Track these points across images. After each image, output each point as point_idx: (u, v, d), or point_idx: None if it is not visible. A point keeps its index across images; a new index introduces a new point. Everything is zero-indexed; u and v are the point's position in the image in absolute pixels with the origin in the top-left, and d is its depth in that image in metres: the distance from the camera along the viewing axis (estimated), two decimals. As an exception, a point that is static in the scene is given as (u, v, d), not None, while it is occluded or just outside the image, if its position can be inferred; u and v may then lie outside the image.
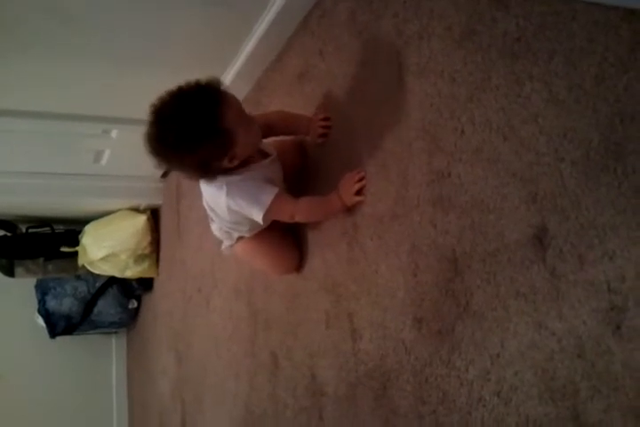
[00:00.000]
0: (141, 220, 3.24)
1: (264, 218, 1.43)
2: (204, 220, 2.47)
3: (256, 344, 1.93)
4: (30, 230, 3.38)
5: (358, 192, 1.36)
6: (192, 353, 2.65)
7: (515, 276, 0.95)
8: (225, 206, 1.44)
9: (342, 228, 1.45)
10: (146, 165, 2.92)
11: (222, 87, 1.33)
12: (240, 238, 1.62)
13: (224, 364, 2.23)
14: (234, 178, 1.41)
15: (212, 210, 1.54)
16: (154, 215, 3.36)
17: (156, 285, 3.43)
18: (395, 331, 1.23)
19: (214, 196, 1.47)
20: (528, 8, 0.93)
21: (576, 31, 0.86)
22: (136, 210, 3.35)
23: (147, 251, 3.24)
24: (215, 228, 1.64)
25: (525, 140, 0.94)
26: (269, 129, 1.54)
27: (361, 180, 1.36)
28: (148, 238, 3.24)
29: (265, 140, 1.53)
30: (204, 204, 1.57)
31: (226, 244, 1.67)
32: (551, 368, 0.87)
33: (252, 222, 1.49)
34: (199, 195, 2.54)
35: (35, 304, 3.59)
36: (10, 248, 3.28)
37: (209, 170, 1.37)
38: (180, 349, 2.83)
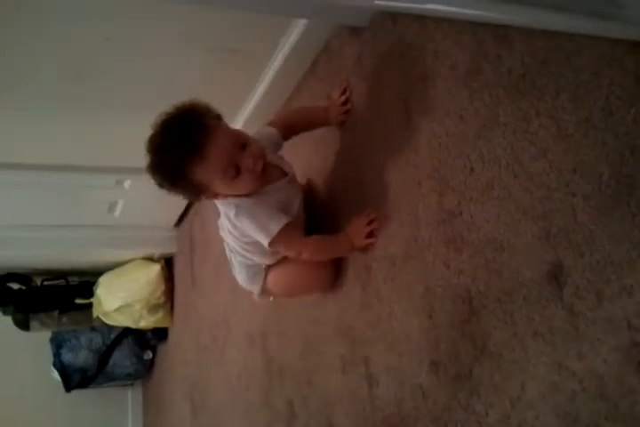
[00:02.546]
0: (155, 269, 3.24)
1: (270, 245, 1.37)
2: (218, 267, 2.47)
3: (271, 393, 1.89)
4: (45, 283, 3.38)
5: (370, 234, 1.34)
6: (207, 404, 2.61)
7: (532, 315, 0.92)
8: (237, 231, 1.42)
9: (355, 271, 1.43)
10: (159, 214, 2.98)
11: (213, 123, 1.27)
12: (267, 270, 1.54)
13: (240, 414, 2.19)
14: (244, 202, 1.37)
15: (236, 238, 1.46)
16: (168, 264, 3.35)
17: (171, 334, 3.40)
18: (411, 375, 1.20)
19: (226, 215, 1.42)
20: (532, 44, 0.94)
21: (581, 65, 0.85)
22: (150, 259, 3.35)
23: (161, 300, 3.22)
24: (237, 271, 1.57)
25: (535, 177, 0.93)
26: (290, 129, 1.52)
27: (371, 222, 1.34)
28: (162, 288, 3.22)
29: (284, 154, 1.51)
30: (225, 244, 1.54)
31: (255, 290, 1.59)
32: (573, 410, 0.84)
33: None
34: (213, 243, 2.56)
35: (50, 358, 3.57)
36: (25, 302, 3.28)
37: (196, 197, 1.38)
38: (195, 399, 2.79)
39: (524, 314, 0.94)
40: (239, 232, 1.42)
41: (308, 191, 1.64)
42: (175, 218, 3.09)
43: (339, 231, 1.44)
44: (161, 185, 1.30)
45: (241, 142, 1.29)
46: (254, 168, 1.30)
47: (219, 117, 1.31)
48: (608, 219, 0.81)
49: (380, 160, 1.35)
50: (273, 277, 1.54)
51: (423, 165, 1.20)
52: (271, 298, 1.65)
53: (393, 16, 1.32)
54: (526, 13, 0.70)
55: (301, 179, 1.66)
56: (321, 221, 1.59)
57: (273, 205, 1.39)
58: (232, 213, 1.37)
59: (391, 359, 1.27)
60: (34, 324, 3.30)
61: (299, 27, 1.54)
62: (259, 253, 1.48)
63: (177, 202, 2.87)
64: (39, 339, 3.54)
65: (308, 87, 1.74)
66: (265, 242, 1.36)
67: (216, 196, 1.36)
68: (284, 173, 1.46)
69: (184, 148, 1.23)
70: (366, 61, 1.42)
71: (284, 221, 1.36)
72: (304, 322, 1.67)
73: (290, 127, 1.52)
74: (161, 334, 3.47)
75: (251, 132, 1.53)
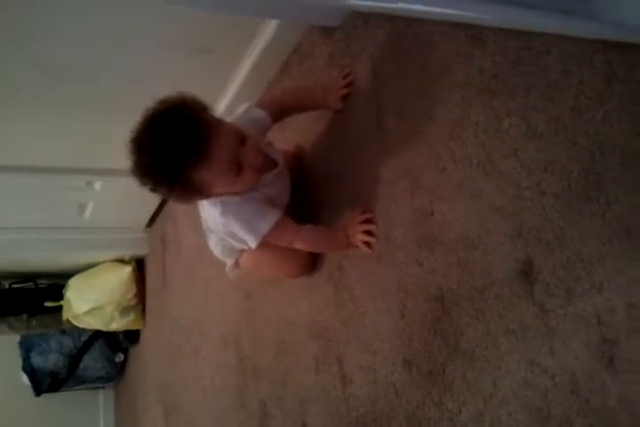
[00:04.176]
0: (126, 271, 3.21)
1: (257, 245, 1.32)
2: (191, 269, 2.46)
3: (245, 394, 1.88)
4: (13, 286, 3.33)
5: (367, 232, 1.28)
6: (180, 405, 2.59)
7: (503, 312, 0.93)
8: (220, 224, 1.34)
9: (328, 271, 1.43)
10: (130, 216, 2.96)
11: (211, 118, 1.18)
12: (244, 250, 1.49)
13: (214, 415, 2.18)
14: (230, 198, 1.28)
15: (220, 229, 1.40)
16: (139, 266, 3.33)
17: (143, 337, 3.38)
18: (385, 374, 1.20)
19: (209, 211, 1.35)
20: (502, 44, 0.94)
21: (551, 65, 0.86)
22: (121, 261, 3.32)
23: (132, 302, 3.19)
24: (214, 245, 1.52)
25: (506, 175, 0.93)
26: (281, 112, 1.43)
27: (367, 220, 1.28)
28: (134, 290, 3.20)
29: (273, 140, 1.44)
30: (202, 217, 1.46)
31: (229, 264, 1.55)
32: (545, 407, 0.85)
33: None
34: (185, 244, 2.55)
35: (19, 362, 3.52)
36: (-7, 305, 3.24)
37: (192, 199, 1.28)
38: (168, 401, 2.77)
39: (495, 312, 0.94)
40: (226, 229, 1.36)
41: (295, 159, 1.58)
42: (146, 219, 3.06)
43: (318, 213, 1.42)
44: (153, 189, 1.18)
45: (240, 137, 1.20)
46: (255, 163, 1.23)
47: (206, 109, 1.20)
48: (578, 216, 0.82)
49: (352, 160, 1.36)
50: (247, 258, 1.50)
51: (395, 165, 1.20)
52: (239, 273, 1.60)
53: (365, 16, 1.32)
54: (496, 11, 0.71)
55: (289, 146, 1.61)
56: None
57: (261, 200, 1.32)
58: (218, 211, 1.30)
59: (365, 358, 1.27)
60: (2, 327, 3.26)
61: (271, 26, 1.54)
62: (240, 242, 1.41)
63: (148, 203, 2.85)
64: (8, 343, 3.49)
65: (280, 86, 1.73)
66: (253, 243, 1.32)
67: (210, 196, 1.27)
68: (274, 164, 1.38)
69: (185, 148, 1.12)
70: (338, 61, 1.42)
71: (274, 218, 1.31)
72: (277, 322, 1.66)
73: (282, 110, 1.43)
74: (132, 336, 3.44)
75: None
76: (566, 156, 0.84)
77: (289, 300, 1.61)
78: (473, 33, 1.01)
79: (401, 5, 0.89)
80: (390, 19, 1.23)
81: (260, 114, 1.39)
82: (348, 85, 1.38)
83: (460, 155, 1.03)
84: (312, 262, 1.51)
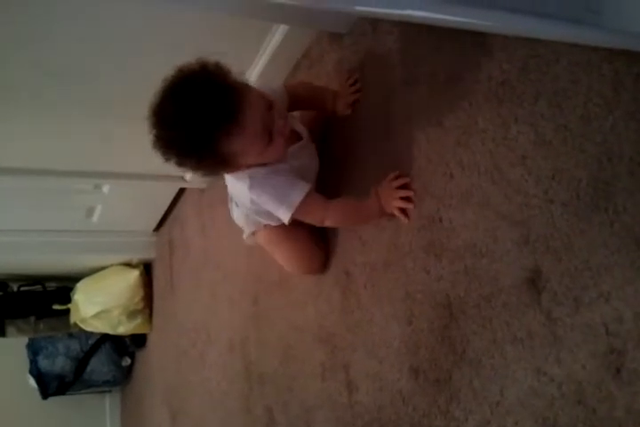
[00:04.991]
0: (134, 275, 3.21)
1: (291, 218, 1.26)
2: (198, 273, 2.46)
3: (251, 399, 1.88)
4: (22, 289, 3.34)
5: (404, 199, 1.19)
6: (186, 410, 2.59)
7: (510, 320, 0.93)
8: (248, 200, 1.28)
9: (335, 277, 1.43)
10: (138, 219, 2.96)
11: (239, 83, 1.13)
12: (267, 225, 1.43)
13: (219, 420, 2.17)
14: (257, 171, 1.23)
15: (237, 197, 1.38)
16: (146, 269, 3.33)
17: (150, 341, 3.38)
18: (391, 381, 1.20)
19: (236, 186, 1.30)
20: (511, 52, 0.94)
21: (559, 73, 0.86)
22: (128, 265, 3.32)
23: (139, 306, 3.19)
24: (237, 215, 1.47)
25: (514, 183, 0.93)
26: (295, 102, 1.38)
27: (404, 186, 1.19)
28: (141, 293, 3.20)
29: (295, 114, 1.41)
30: (229, 189, 1.40)
31: (247, 232, 1.50)
32: (552, 416, 0.85)
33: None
34: (192, 248, 2.55)
35: (26, 365, 3.53)
36: (1, 308, 3.24)
37: (220, 172, 1.25)
38: (174, 405, 2.77)
39: (502, 320, 0.94)
40: (255, 206, 1.31)
41: (319, 121, 1.52)
42: (154, 223, 3.06)
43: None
44: (179, 163, 1.13)
45: (268, 102, 1.15)
46: (284, 129, 1.19)
47: (231, 73, 1.14)
48: (586, 225, 0.81)
49: (360, 166, 1.35)
50: (266, 234, 1.46)
51: (402, 171, 1.20)
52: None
53: (373, 22, 1.32)
54: (505, 19, 0.71)
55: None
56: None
57: (289, 171, 1.26)
58: (246, 186, 1.24)
59: (371, 365, 1.27)
60: (10, 330, 3.26)
61: (280, 31, 1.54)
62: (269, 218, 1.37)
63: (156, 207, 2.85)
64: (15, 345, 3.50)
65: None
66: (286, 215, 1.25)
67: (239, 168, 1.22)
68: (299, 137, 1.34)
69: (216, 116, 1.06)
70: (347, 67, 1.43)
71: (305, 188, 1.24)
72: (284, 327, 1.66)
73: (295, 99, 1.38)
74: (139, 340, 3.44)
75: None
76: (574, 164, 0.83)
77: (295, 304, 1.60)
78: (481, 40, 1.01)
79: (409, 12, 0.89)
80: (398, 25, 1.23)
81: (282, 90, 1.36)
82: (356, 92, 1.38)
83: (468, 162, 1.03)
84: (325, 262, 1.47)
